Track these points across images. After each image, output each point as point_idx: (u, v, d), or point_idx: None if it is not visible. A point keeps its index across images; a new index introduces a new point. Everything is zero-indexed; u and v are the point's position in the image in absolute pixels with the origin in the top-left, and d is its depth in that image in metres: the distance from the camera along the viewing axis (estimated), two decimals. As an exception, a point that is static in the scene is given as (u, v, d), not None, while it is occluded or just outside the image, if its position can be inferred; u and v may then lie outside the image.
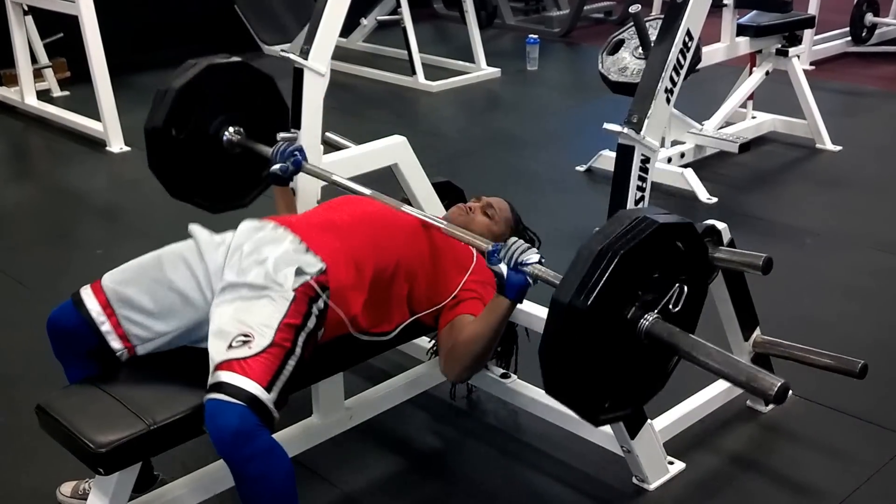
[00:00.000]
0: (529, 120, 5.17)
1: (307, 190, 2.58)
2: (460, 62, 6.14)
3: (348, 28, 6.70)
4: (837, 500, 2.20)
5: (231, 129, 2.46)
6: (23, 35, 5.24)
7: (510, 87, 5.92)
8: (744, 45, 4.38)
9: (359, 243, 2.02)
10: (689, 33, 2.04)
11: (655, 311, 1.61)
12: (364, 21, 6.56)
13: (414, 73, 5.82)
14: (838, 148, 4.57)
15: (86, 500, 1.90)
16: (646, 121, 2.17)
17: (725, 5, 4.25)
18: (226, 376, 1.72)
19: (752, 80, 4.48)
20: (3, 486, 2.30)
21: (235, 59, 2.51)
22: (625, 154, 2.20)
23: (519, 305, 2.35)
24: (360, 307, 1.98)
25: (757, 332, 2.45)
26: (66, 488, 2.20)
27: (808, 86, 4.54)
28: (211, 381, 1.73)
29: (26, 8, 5.20)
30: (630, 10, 3.35)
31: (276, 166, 2.35)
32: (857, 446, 2.39)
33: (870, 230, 3.68)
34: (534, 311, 2.36)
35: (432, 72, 5.94)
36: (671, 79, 2.03)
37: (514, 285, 1.84)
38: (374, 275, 2.00)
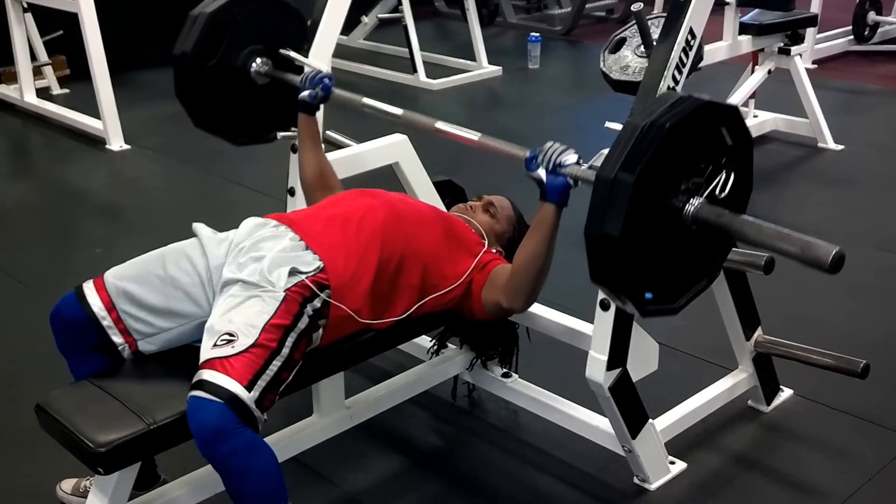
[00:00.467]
0: (531, 118, 5.16)
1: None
2: (461, 60, 6.13)
3: (349, 26, 6.68)
4: (839, 500, 2.20)
5: (259, 60, 2.44)
6: (22, 32, 5.23)
7: (512, 85, 5.91)
8: (746, 43, 4.37)
9: (362, 236, 2.00)
10: (691, 32, 2.03)
11: (702, 196, 1.58)
12: (365, 19, 6.55)
13: (415, 71, 5.81)
14: (840, 147, 4.56)
15: (86, 497, 1.90)
16: (648, 119, 2.14)
17: (728, 3, 4.23)
18: (207, 374, 1.72)
19: (754, 79, 4.47)
20: (3, 484, 2.29)
21: None
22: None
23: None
24: (364, 298, 1.97)
25: (759, 331, 2.45)
26: (67, 485, 2.20)
27: (810, 84, 4.52)
28: (194, 379, 1.74)
29: (26, 5, 5.18)
30: (632, 8, 3.32)
31: (305, 93, 2.33)
32: (859, 446, 2.39)
33: (872, 229, 3.67)
34: (535, 311, 2.36)
35: (433, 70, 5.93)
36: (673, 77, 2.02)
37: (555, 188, 1.84)
38: (379, 266, 1.99)
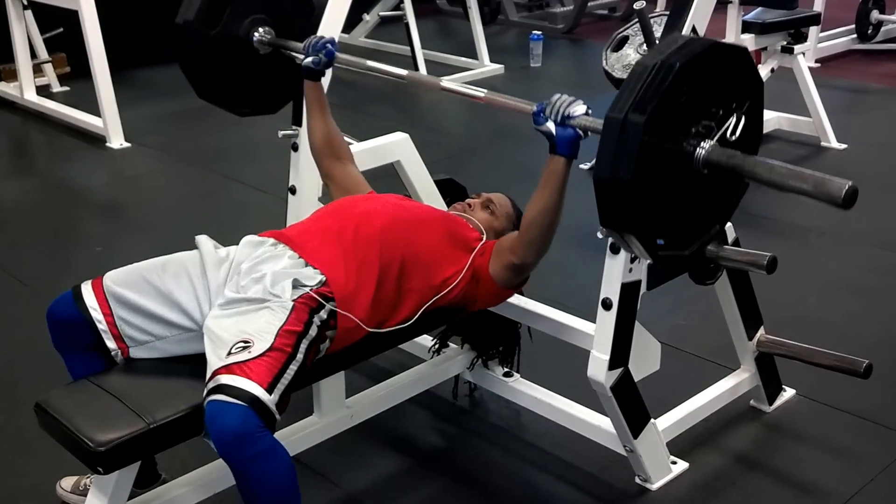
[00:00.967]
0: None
1: (307, 188, 2.57)
2: (463, 58, 6.11)
3: (350, 24, 6.67)
4: (841, 501, 2.19)
5: (261, 29, 2.43)
6: (22, 30, 5.22)
7: (513, 83, 5.89)
8: (749, 42, 4.35)
9: (360, 245, 2.00)
10: (694, 30, 2.02)
11: (713, 139, 1.57)
12: (366, 17, 6.53)
13: (416, 69, 5.79)
14: (843, 146, 4.55)
15: (86, 496, 1.89)
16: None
17: (731, 2, 4.22)
18: (227, 378, 1.70)
19: (756, 78, 4.45)
20: (3, 484, 2.29)
21: None
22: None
23: (520, 304, 2.37)
24: (369, 307, 1.96)
25: (761, 331, 2.44)
26: (67, 483, 2.19)
27: (813, 83, 4.51)
28: (211, 385, 1.71)
29: (26, 2, 5.17)
30: (634, 6, 3.32)
31: (309, 59, 2.30)
32: (862, 446, 2.38)
33: (875, 228, 3.66)
34: (537, 310, 2.35)
35: (435, 68, 5.91)
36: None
37: (565, 140, 1.82)
38: (380, 273, 1.98)
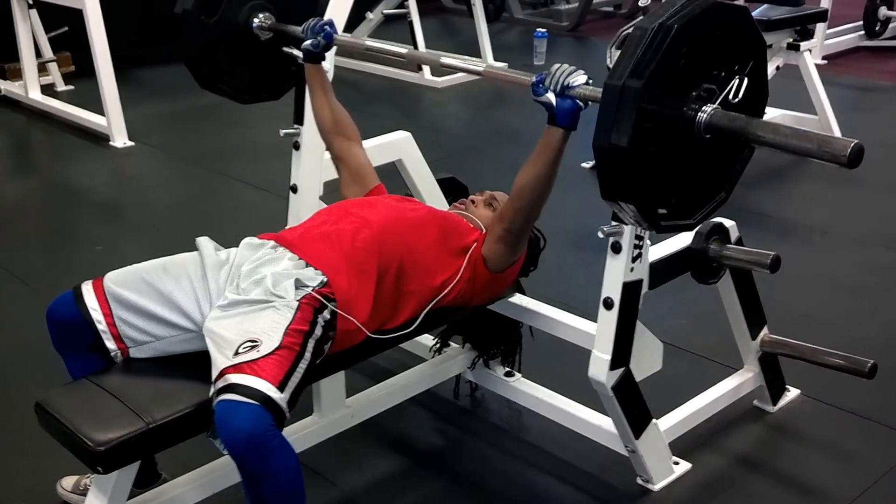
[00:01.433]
0: (536, 115, 5.02)
1: (308, 187, 2.56)
2: (467, 57, 6.05)
3: (354, 23, 6.66)
4: (845, 503, 2.17)
5: (262, 14, 2.43)
6: (27, 29, 5.22)
7: (517, 81, 5.87)
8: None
9: (359, 248, 1.99)
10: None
11: (714, 103, 1.55)
12: (370, 15, 6.51)
13: (420, 68, 5.78)
14: (849, 144, 4.51)
15: (86, 495, 1.88)
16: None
17: (735, -1, 4.20)
18: (237, 378, 1.69)
19: (762, 75, 4.43)
20: (3, 482, 2.28)
21: None
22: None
23: (522, 304, 2.36)
24: (370, 310, 1.96)
25: (765, 330, 2.42)
26: (68, 482, 2.19)
27: (819, 81, 4.49)
28: (220, 384, 1.70)
29: (31, 1, 5.17)
30: (640, 3, 3.31)
31: (308, 42, 2.30)
32: (866, 447, 2.36)
33: (880, 228, 3.64)
34: (538, 310, 2.34)
35: (438, 67, 5.89)
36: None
37: (564, 111, 1.80)
38: (379, 276, 1.98)
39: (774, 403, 2.51)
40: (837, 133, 4.51)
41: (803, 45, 4.41)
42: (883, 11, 6.10)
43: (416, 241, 2.06)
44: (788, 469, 2.30)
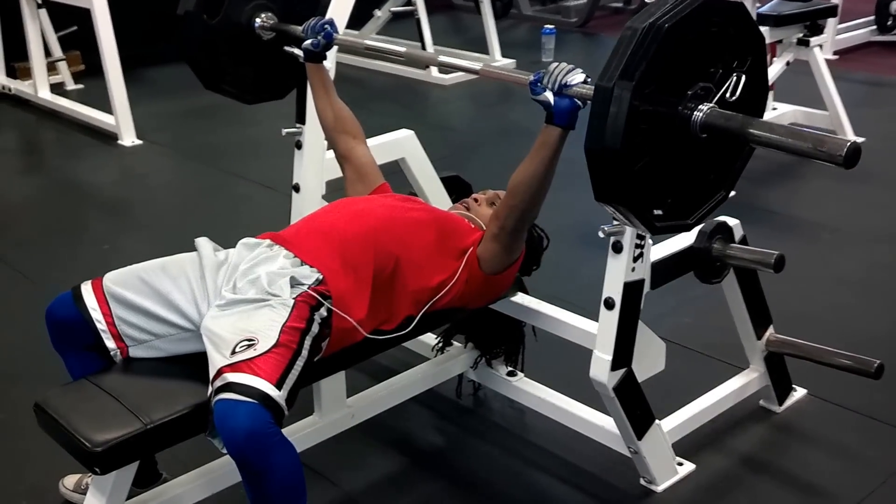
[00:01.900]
0: (543, 113, 5.08)
1: (311, 186, 2.55)
2: (474, 54, 6.07)
3: (361, 20, 6.64)
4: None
5: (264, 14, 2.43)
6: (36, 28, 5.24)
7: (525, 78, 5.85)
8: (764, 34, 4.27)
9: (356, 246, 1.98)
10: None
11: (711, 101, 1.53)
12: (377, 13, 6.50)
13: (427, 65, 5.76)
14: (861, 139, 4.47)
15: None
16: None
17: (744, -6, 4.16)
18: (234, 377, 1.69)
19: (772, 71, 4.39)
20: (3, 482, 2.29)
21: None
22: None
23: (524, 303, 2.34)
24: (366, 309, 1.95)
25: (770, 330, 2.40)
26: (70, 481, 2.20)
27: (829, 76, 4.44)
28: (217, 384, 1.69)
29: (40, 1, 5.19)
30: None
31: (308, 41, 2.30)
32: (873, 448, 2.34)
33: (890, 224, 3.61)
34: (541, 309, 2.32)
35: (435, 65, 5.87)
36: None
37: (562, 110, 1.78)
38: (375, 274, 1.97)
39: (781, 403, 2.48)
40: (849, 129, 4.47)
41: (813, 40, 4.36)
42: (895, 6, 6.04)
43: (413, 241, 2.05)
44: (794, 470, 2.28)
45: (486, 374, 2.53)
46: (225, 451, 1.67)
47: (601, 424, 2.25)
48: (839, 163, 1.40)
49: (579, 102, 1.77)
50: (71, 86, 5.68)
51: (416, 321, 2.03)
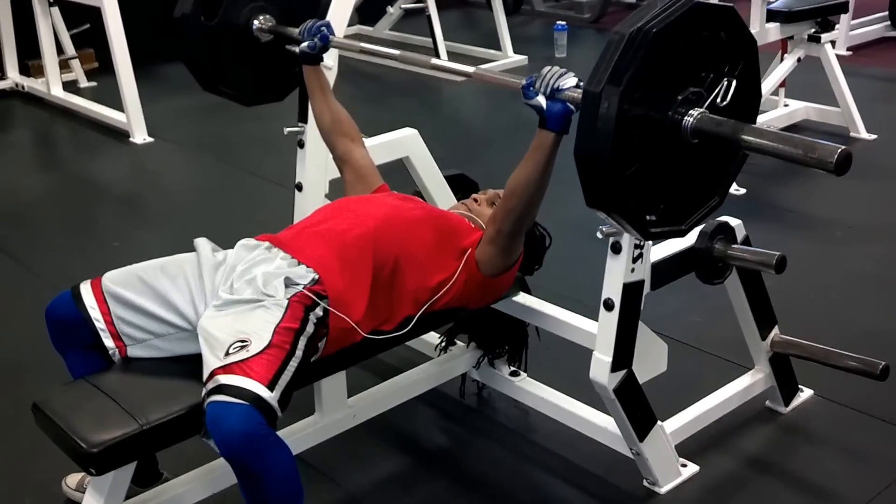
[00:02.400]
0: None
1: (313, 185, 2.55)
2: (486, 50, 6.06)
3: (375, 16, 6.65)
4: (856, 506, 2.13)
5: (261, 16, 2.43)
6: (48, 26, 5.27)
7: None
8: (774, 31, 4.25)
9: (353, 247, 1.98)
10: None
11: (702, 106, 1.51)
12: (390, 9, 6.50)
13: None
14: (873, 136, 4.44)
15: (89, 494, 1.89)
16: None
17: (755, -10, 4.13)
18: (226, 378, 1.69)
19: (783, 67, 4.36)
20: (11, 478, 2.30)
21: None
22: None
23: (527, 303, 2.33)
24: (364, 309, 1.94)
25: (775, 330, 2.37)
26: (72, 480, 2.20)
27: (841, 72, 4.40)
28: (210, 385, 1.70)
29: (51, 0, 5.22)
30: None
31: (305, 43, 2.30)
32: (880, 449, 2.31)
33: (904, 222, 3.57)
34: (543, 309, 2.31)
35: (457, 60, 5.77)
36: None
37: (555, 115, 1.77)
38: (374, 274, 1.96)
39: (787, 404, 2.46)
40: (861, 125, 4.43)
41: (824, 36, 4.31)
42: (909, 1, 5.97)
43: (413, 240, 2.04)
44: (800, 471, 2.26)
45: (488, 374, 2.52)
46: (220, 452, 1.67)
47: (604, 425, 2.24)
48: (830, 169, 1.38)
49: (572, 107, 1.75)
50: (84, 83, 5.71)
51: (415, 321, 2.02)
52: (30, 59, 5.64)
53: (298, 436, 2.21)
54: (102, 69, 5.73)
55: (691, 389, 2.42)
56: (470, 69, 2.02)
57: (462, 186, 2.69)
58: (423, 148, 2.67)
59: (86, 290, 1.95)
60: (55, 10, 5.31)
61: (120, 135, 4.87)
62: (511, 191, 1.94)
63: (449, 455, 2.40)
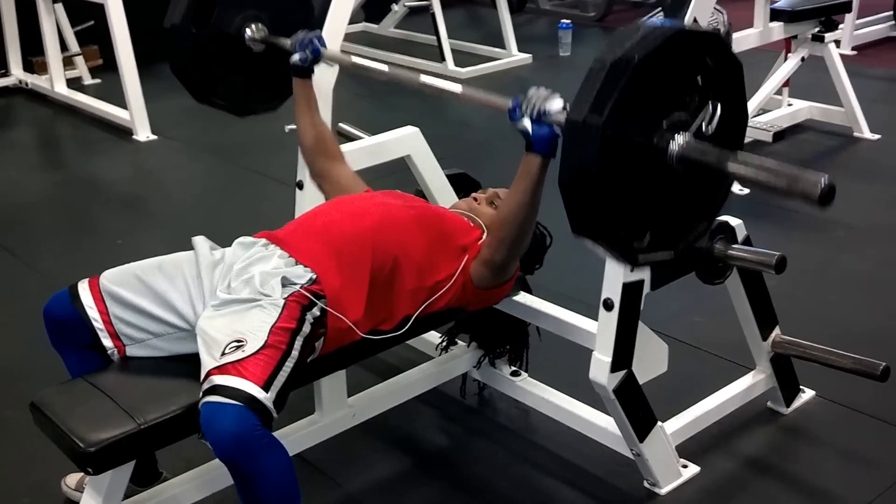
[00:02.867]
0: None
1: (313, 186, 2.54)
2: (491, 48, 6.05)
3: (380, 14, 6.65)
4: (857, 508, 2.12)
5: (253, 26, 2.40)
6: (52, 22, 5.27)
7: (541, 73, 5.82)
8: (778, 30, 4.24)
9: (352, 246, 1.97)
10: (696, 21, 1.95)
11: (687, 132, 1.50)
12: (395, 7, 6.50)
13: (443, 59, 5.75)
14: (877, 136, 4.42)
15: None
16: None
17: (759, -11, 4.12)
18: (221, 379, 1.69)
19: (786, 67, 4.34)
20: (11, 479, 2.30)
21: None
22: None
23: (528, 303, 2.32)
24: (363, 309, 1.94)
25: (776, 331, 2.36)
26: (72, 480, 2.20)
27: (845, 72, 4.39)
28: (205, 386, 1.70)
29: (55, -4, 5.23)
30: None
31: (296, 56, 2.29)
32: (881, 451, 2.30)
33: (906, 222, 3.55)
34: (543, 309, 2.30)
35: (462, 58, 5.86)
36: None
37: (541, 138, 1.76)
38: (373, 273, 1.96)
39: (788, 405, 2.45)
40: (864, 125, 4.42)
41: (827, 36, 4.30)
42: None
43: (411, 240, 2.03)
44: (801, 472, 2.25)
45: (489, 374, 2.51)
46: None
47: (604, 426, 2.23)
48: (813, 201, 1.36)
49: (558, 130, 1.73)
50: (88, 80, 5.71)
51: (413, 320, 2.01)
52: (33, 55, 5.64)
53: (298, 435, 2.21)
54: (107, 66, 5.72)
55: (692, 390, 2.41)
56: (458, 88, 1.99)
57: (464, 186, 2.68)
58: (424, 146, 2.66)
59: (83, 289, 1.95)
60: (59, 7, 5.31)
61: (123, 132, 4.87)
62: (501, 220, 1.93)
63: (449, 455, 2.39)
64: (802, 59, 4.33)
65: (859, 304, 2.99)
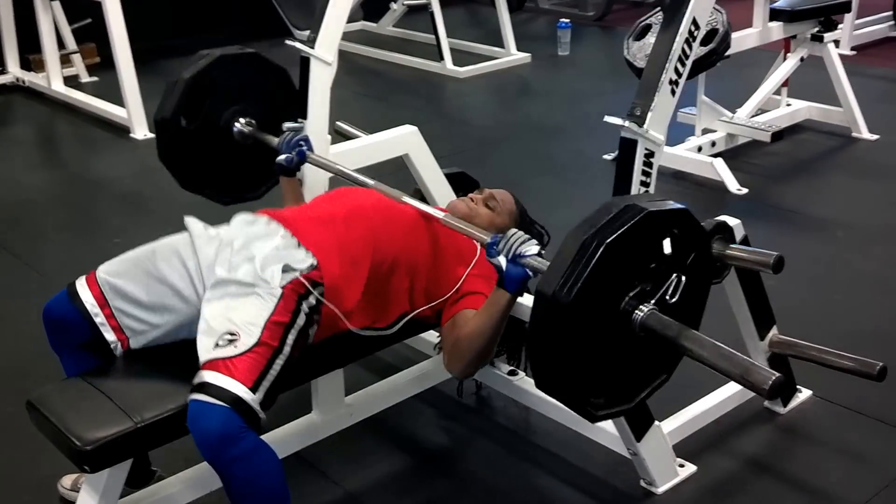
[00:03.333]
0: (558, 107, 5.07)
1: (315, 180, 2.54)
2: (490, 47, 6.05)
3: (379, 12, 6.64)
4: (854, 508, 2.12)
5: (242, 120, 2.44)
6: (49, 20, 5.26)
7: (540, 72, 5.82)
8: (777, 30, 4.24)
9: (355, 236, 1.97)
10: (695, 22, 1.94)
11: (651, 301, 1.54)
12: (394, 6, 6.50)
13: (442, 58, 5.75)
14: (875, 136, 4.42)
15: (85, 493, 1.89)
16: (649, 114, 2.06)
17: (758, -12, 4.12)
18: (210, 377, 1.69)
19: (786, 67, 4.35)
20: (13, 476, 2.30)
21: (248, 50, 2.49)
22: (627, 148, 2.10)
23: (526, 302, 2.32)
24: (356, 302, 1.94)
25: (774, 331, 2.37)
26: (67, 481, 2.20)
27: (843, 72, 4.39)
28: (195, 380, 1.70)
29: (52, -7, 5.23)
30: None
31: (282, 157, 2.32)
32: (878, 450, 2.31)
33: (906, 222, 3.55)
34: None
35: (461, 57, 5.86)
36: (676, 70, 1.94)
37: (513, 278, 1.79)
38: (372, 268, 1.96)
39: (785, 405, 2.45)
40: (863, 125, 4.42)
41: (827, 36, 4.30)
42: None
43: (411, 239, 2.04)
44: (798, 472, 2.25)
45: (487, 373, 2.51)
46: None
47: (601, 425, 2.23)
48: (763, 395, 1.46)
49: (530, 272, 1.78)
50: (86, 78, 5.70)
51: (403, 321, 2.02)
52: (31, 53, 5.64)
53: (295, 434, 2.21)
54: (104, 64, 5.72)
55: (689, 389, 2.41)
56: (440, 214, 2.01)
57: (462, 185, 2.68)
58: (423, 145, 2.66)
59: (82, 286, 1.95)
60: (56, 4, 5.31)
61: (121, 130, 4.86)
62: (462, 338, 1.93)
63: (447, 454, 2.39)
64: (802, 59, 4.33)
65: (859, 303, 2.99)
